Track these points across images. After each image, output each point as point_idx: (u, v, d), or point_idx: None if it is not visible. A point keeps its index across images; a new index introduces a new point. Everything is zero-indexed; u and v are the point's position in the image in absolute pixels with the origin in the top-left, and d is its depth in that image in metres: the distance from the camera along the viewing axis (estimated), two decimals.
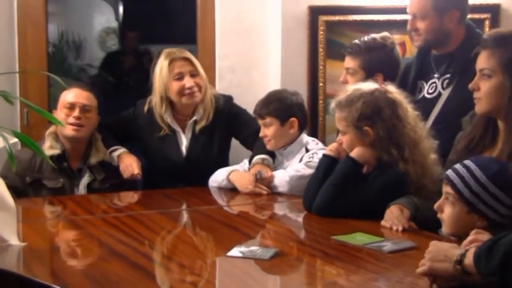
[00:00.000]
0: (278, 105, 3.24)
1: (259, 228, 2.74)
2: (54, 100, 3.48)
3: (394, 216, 2.43)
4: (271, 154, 3.32)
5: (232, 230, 2.57)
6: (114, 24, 6.95)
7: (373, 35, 3.26)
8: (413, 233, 2.37)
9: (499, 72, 2.26)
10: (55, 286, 1.87)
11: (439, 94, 3.02)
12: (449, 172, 2.15)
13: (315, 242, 2.43)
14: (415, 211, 2.45)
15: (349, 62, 3.22)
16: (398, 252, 2.13)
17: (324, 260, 2.18)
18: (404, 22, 3.12)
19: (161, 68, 3.43)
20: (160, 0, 6.16)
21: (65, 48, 6.67)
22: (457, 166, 2.15)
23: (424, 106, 2.92)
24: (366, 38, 3.23)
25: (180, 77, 3.41)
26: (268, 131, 3.26)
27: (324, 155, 2.78)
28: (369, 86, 2.69)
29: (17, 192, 2.79)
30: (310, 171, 2.99)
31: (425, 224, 2.40)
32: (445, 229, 2.19)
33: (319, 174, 2.73)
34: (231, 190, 3.24)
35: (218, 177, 3.29)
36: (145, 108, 3.53)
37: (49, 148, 3.28)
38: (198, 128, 3.48)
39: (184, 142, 3.51)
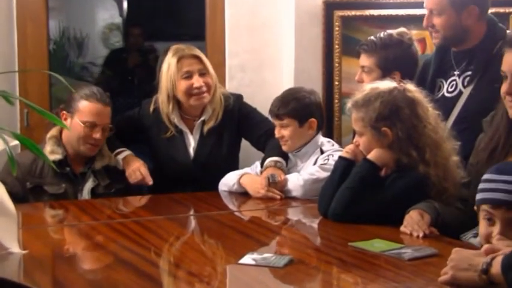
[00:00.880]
0: (296, 105, 3.20)
1: (272, 235, 2.71)
2: (56, 100, 3.40)
3: (414, 221, 2.39)
4: (284, 156, 3.28)
5: (244, 237, 2.55)
6: (118, 20, 6.95)
7: (390, 31, 3.21)
8: (434, 239, 2.33)
9: None
10: None
11: (460, 92, 2.98)
12: (496, 194, 1.88)
13: (331, 249, 2.39)
14: (436, 216, 2.42)
15: (365, 60, 3.19)
16: (419, 259, 2.09)
17: (341, 268, 2.15)
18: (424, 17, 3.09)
19: (169, 65, 3.37)
20: None
21: (67, 45, 6.62)
22: (494, 186, 1.89)
23: (444, 105, 2.88)
24: (381, 34, 3.19)
25: (188, 75, 3.36)
26: (285, 131, 3.21)
27: (340, 157, 2.76)
28: (387, 84, 2.66)
29: (17, 198, 2.75)
30: (325, 174, 2.95)
31: (446, 229, 2.37)
32: None
33: (335, 177, 2.70)
34: (242, 194, 3.21)
35: (228, 181, 3.26)
36: (151, 107, 3.48)
37: (50, 153, 3.21)
38: (206, 128, 3.44)
39: (192, 143, 3.47)
